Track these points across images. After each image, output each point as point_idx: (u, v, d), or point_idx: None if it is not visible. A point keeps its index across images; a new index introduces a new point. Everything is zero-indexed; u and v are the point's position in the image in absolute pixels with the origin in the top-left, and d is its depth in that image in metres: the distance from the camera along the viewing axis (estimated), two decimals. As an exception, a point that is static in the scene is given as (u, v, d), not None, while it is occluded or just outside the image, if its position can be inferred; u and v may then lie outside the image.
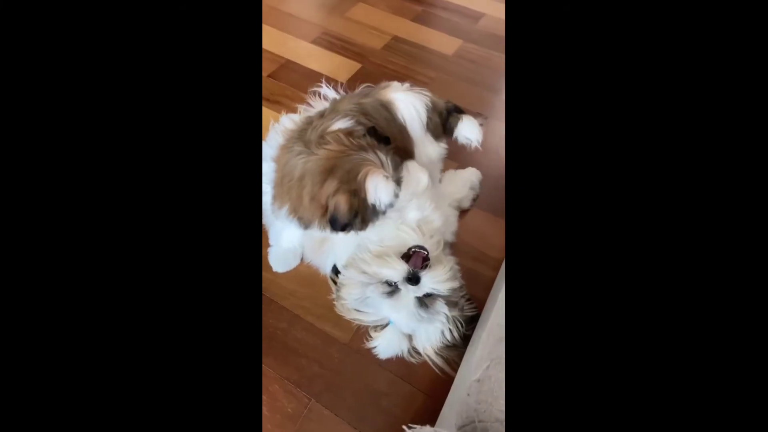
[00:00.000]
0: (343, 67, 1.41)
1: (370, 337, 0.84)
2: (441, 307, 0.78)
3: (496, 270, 0.97)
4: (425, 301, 0.77)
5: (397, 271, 0.76)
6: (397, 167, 0.77)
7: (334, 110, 0.87)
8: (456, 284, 0.79)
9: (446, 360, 0.80)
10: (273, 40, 1.47)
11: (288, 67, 1.40)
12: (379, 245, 0.81)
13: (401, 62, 1.44)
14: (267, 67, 1.39)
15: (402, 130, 0.92)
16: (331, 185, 0.74)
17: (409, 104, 0.93)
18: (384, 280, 0.77)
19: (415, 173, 0.88)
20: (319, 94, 1.01)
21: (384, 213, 0.78)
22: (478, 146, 0.99)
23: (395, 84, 0.96)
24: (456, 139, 1.01)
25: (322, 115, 0.88)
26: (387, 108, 0.91)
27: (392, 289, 0.78)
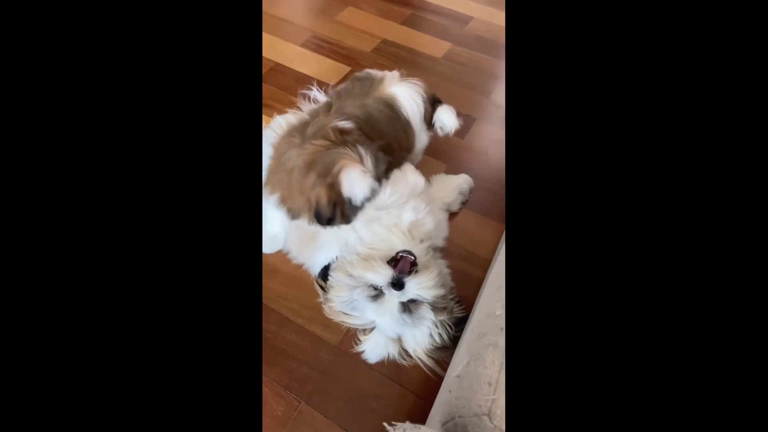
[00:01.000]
0: (332, 70, 1.41)
1: (359, 340, 0.84)
2: (426, 312, 0.78)
3: (485, 270, 0.97)
4: (409, 306, 0.77)
5: (382, 275, 0.76)
6: (379, 164, 0.78)
7: (338, 110, 0.87)
8: (442, 291, 0.79)
9: (437, 361, 0.81)
10: (263, 44, 1.48)
11: (277, 70, 1.40)
12: (368, 248, 0.81)
13: (391, 65, 1.45)
14: (257, 71, 1.39)
15: (406, 126, 0.95)
16: (310, 179, 0.75)
17: (409, 98, 0.95)
18: (369, 284, 0.77)
19: (412, 176, 0.90)
20: (309, 97, 1.02)
21: (361, 208, 0.78)
22: (451, 133, 1.01)
23: (389, 74, 0.97)
24: (434, 125, 1.02)
25: (329, 108, 0.88)
26: (390, 106, 0.92)
27: (377, 293, 0.78)
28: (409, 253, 0.78)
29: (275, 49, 1.47)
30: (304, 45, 1.50)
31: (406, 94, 0.95)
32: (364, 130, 0.85)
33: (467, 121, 1.30)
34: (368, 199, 0.78)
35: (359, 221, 0.82)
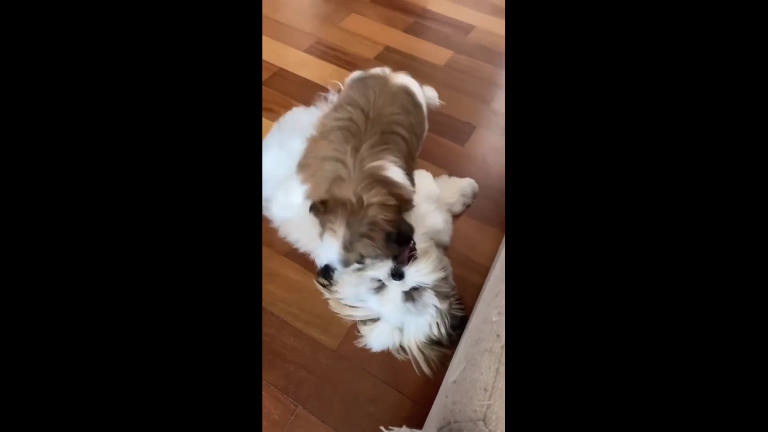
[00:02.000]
0: (335, 76, 1.42)
1: (359, 332, 0.85)
2: (430, 298, 0.80)
3: (484, 276, 0.98)
4: (413, 294, 0.79)
5: (382, 268, 0.78)
6: (354, 249, 0.80)
7: (379, 116, 0.91)
8: (442, 274, 0.81)
9: (426, 358, 0.82)
10: (266, 49, 1.49)
11: (281, 75, 1.42)
12: None
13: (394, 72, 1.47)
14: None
15: (420, 110, 1.04)
16: (317, 192, 0.83)
17: (416, 85, 1.05)
18: (371, 277, 0.80)
19: (431, 184, 0.98)
20: (325, 98, 1.10)
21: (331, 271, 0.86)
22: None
23: (386, 69, 1.08)
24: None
25: (365, 117, 0.90)
26: (409, 93, 1.02)
27: (380, 284, 0.80)
28: None
29: (279, 54, 1.48)
30: (307, 50, 1.51)
31: (412, 82, 1.05)
32: (402, 135, 0.91)
33: (467, 128, 1.31)
34: (333, 268, 0.84)
35: None
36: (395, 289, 0.79)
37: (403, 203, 0.83)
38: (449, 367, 0.63)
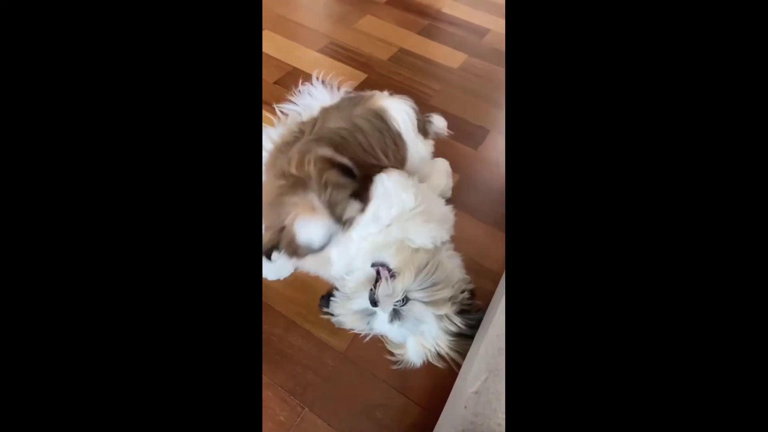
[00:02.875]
0: (349, 76, 1.42)
1: (392, 354, 0.85)
2: (420, 310, 0.79)
3: (496, 283, 0.96)
4: (400, 313, 0.80)
5: (363, 300, 0.81)
6: (342, 208, 0.77)
7: (321, 127, 0.87)
8: (426, 283, 0.80)
9: (462, 354, 0.82)
10: (280, 48, 1.49)
11: (294, 74, 1.41)
12: (347, 277, 0.85)
13: (407, 74, 1.46)
14: (274, 74, 1.40)
15: (396, 138, 0.95)
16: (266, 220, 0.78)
17: (400, 110, 0.96)
18: (357, 310, 0.83)
19: (397, 194, 0.82)
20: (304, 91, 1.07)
21: (320, 250, 0.79)
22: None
23: (378, 93, 0.99)
24: (432, 133, 1.15)
25: (314, 124, 0.88)
26: (381, 117, 0.93)
27: (374, 311, 0.82)
28: (381, 264, 0.81)
29: (293, 53, 1.48)
30: (321, 51, 1.51)
31: (396, 106, 0.96)
32: (346, 146, 0.84)
33: (480, 132, 1.30)
34: (324, 245, 0.78)
35: (335, 250, 0.84)
36: (382, 313, 0.80)
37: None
38: (465, 376, 0.61)
